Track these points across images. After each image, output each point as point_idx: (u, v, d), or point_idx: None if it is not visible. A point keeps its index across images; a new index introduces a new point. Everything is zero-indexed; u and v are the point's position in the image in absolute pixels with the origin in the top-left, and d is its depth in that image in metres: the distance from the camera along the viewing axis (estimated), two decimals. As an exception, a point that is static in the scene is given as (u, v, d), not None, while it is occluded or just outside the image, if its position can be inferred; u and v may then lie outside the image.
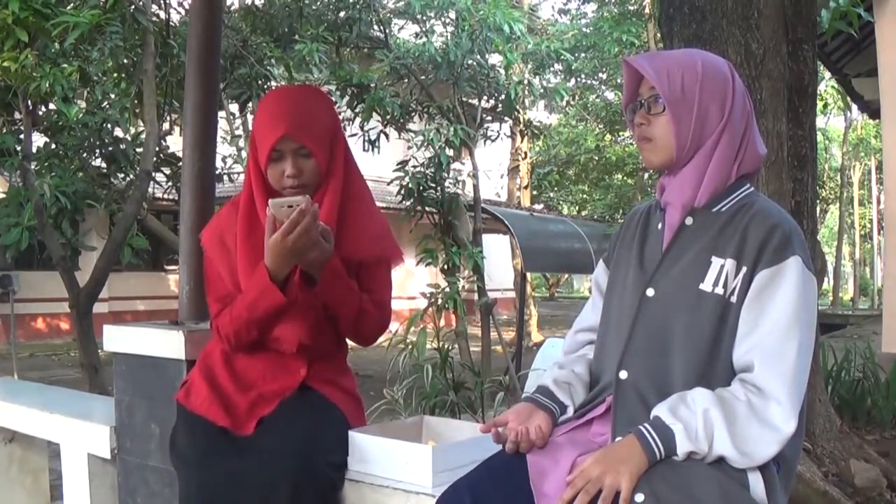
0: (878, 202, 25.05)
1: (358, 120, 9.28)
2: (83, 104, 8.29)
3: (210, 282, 1.93)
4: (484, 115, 10.95)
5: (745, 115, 1.46)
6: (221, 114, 8.42)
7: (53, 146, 7.87)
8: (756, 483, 1.32)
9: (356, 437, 1.79)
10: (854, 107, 12.58)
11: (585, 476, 1.30)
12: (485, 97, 10.42)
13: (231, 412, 1.79)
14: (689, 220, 1.46)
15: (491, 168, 12.65)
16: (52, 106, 7.55)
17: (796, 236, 1.39)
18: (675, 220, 1.48)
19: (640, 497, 1.27)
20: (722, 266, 1.39)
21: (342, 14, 9.39)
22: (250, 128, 9.74)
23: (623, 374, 1.44)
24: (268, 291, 1.74)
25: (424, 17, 10.30)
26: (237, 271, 1.85)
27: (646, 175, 18.04)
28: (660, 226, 1.51)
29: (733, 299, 1.38)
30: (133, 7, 6.90)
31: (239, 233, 1.85)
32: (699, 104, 1.42)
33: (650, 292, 1.46)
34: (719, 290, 1.39)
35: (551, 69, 13.15)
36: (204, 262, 1.96)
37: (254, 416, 1.78)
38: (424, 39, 9.91)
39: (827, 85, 16.75)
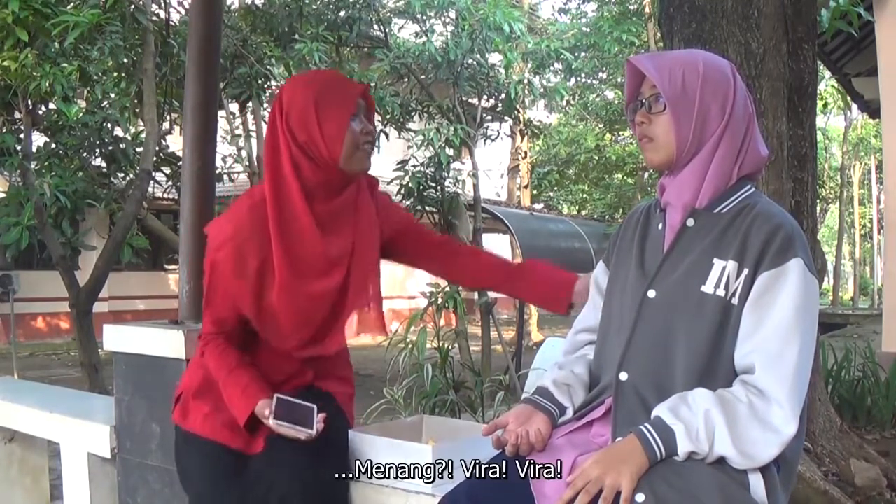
0: (878, 202, 25.04)
1: (358, 119, 9.26)
2: (83, 104, 8.29)
3: (211, 297, 1.81)
4: (484, 115, 10.94)
5: (747, 116, 1.46)
6: (221, 113, 8.42)
7: (53, 146, 7.87)
8: (757, 484, 1.32)
9: (356, 437, 1.79)
10: (854, 106, 12.60)
11: (586, 476, 1.30)
12: (485, 96, 10.41)
13: (239, 431, 1.74)
14: (690, 222, 1.45)
15: (491, 167, 12.63)
16: (52, 105, 7.55)
17: (798, 238, 1.39)
18: (676, 222, 1.47)
19: (640, 497, 1.27)
20: (724, 268, 1.39)
21: (342, 14, 9.39)
22: (251, 127, 9.77)
23: (623, 376, 1.44)
24: (238, 413, 1.71)
25: (424, 17, 10.29)
26: (249, 298, 1.74)
27: (646, 175, 18.02)
28: (660, 226, 1.51)
29: (735, 301, 1.38)
30: (133, 6, 6.91)
31: (278, 247, 1.72)
32: (700, 103, 1.42)
33: (651, 294, 1.45)
34: (720, 292, 1.38)
35: (551, 68, 13.13)
36: (211, 274, 1.80)
37: (262, 432, 1.73)
38: (424, 39, 9.90)
39: (827, 85, 16.73)
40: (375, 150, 1.83)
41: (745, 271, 1.38)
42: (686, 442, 1.30)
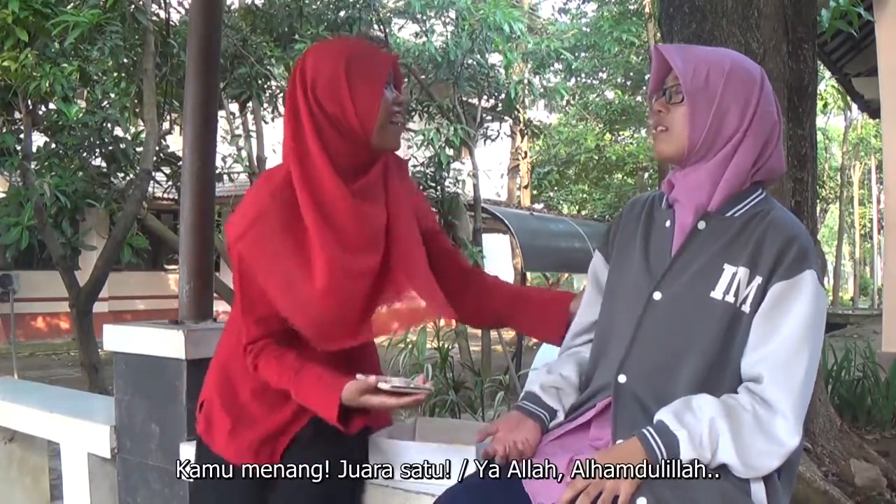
0: (878, 201, 25.04)
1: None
2: (83, 104, 8.30)
3: (247, 296, 1.64)
4: (484, 115, 10.95)
5: (772, 127, 1.43)
6: (221, 113, 8.41)
7: (53, 146, 7.88)
8: (758, 490, 1.32)
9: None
10: (854, 106, 12.60)
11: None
12: (485, 97, 10.42)
13: (262, 449, 1.68)
14: (701, 225, 1.43)
15: (491, 168, 12.64)
16: (52, 105, 7.56)
17: (811, 249, 1.37)
18: (686, 223, 1.45)
19: (642, 501, 1.26)
20: (734, 274, 1.37)
21: (342, 14, 9.38)
22: (251, 127, 9.77)
23: (622, 379, 1.42)
24: (325, 412, 1.58)
25: (424, 17, 10.30)
26: (283, 285, 1.59)
27: (646, 175, 18.04)
28: (667, 223, 1.48)
29: (745, 308, 1.36)
30: (133, 6, 6.91)
31: (318, 224, 1.58)
32: (720, 101, 1.39)
33: (657, 296, 1.42)
34: (730, 299, 1.36)
35: (551, 68, 13.14)
36: (240, 270, 1.63)
37: (281, 444, 1.68)
38: (424, 39, 9.91)
39: (827, 85, 16.73)
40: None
41: (758, 279, 1.36)
42: (689, 448, 1.29)
